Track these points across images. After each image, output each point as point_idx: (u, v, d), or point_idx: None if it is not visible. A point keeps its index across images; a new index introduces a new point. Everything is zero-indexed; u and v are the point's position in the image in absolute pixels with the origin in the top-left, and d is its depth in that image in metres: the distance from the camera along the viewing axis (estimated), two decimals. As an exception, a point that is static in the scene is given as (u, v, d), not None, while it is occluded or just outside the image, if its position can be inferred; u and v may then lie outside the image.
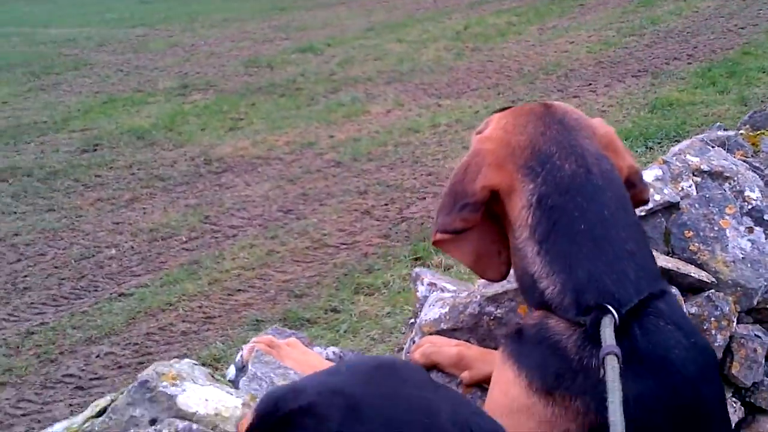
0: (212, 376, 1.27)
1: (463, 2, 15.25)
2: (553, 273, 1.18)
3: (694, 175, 1.85)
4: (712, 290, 1.59)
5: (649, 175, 1.75)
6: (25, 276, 5.12)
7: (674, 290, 1.50)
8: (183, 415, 1.10)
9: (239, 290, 4.65)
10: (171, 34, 15.05)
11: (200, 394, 1.13)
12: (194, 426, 1.09)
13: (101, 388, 3.84)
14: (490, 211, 1.28)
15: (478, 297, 1.50)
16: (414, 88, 8.92)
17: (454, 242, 1.29)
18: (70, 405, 3.73)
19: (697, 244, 1.66)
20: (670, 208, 1.72)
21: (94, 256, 5.34)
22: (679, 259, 1.65)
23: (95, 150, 7.74)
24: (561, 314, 1.16)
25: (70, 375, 3.96)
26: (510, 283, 1.42)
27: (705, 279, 1.59)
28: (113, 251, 5.37)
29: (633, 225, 1.23)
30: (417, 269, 1.88)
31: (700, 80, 7.79)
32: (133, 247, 5.40)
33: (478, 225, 1.27)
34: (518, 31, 11.58)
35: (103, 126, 8.54)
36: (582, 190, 1.19)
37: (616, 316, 1.11)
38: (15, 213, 6.24)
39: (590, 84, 8.24)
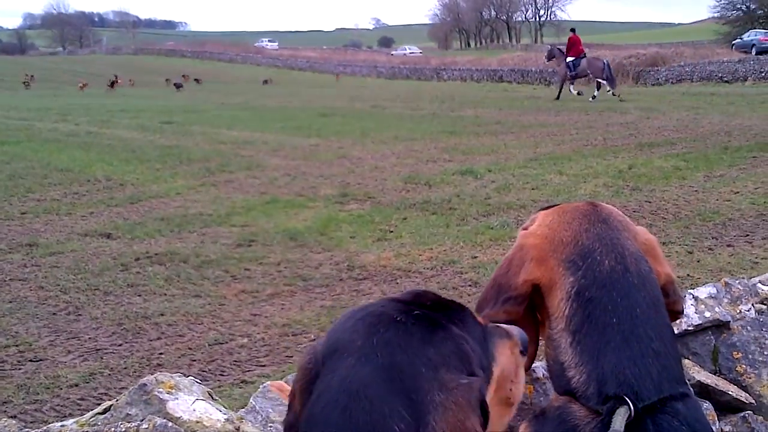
0: (211, 396, 1.36)
1: (633, 143, 15.20)
2: (582, 363, 1.24)
3: (762, 303, 1.84)
4: (750, 411, 1.57)
5: (702, 292, 1.76)
6: (161, 353, 5.39)
7: (707, 404, 1.50)
8: (168, 418, 1.20)
9: (354, 392, 4.72)
10: (342, 146, 15.72)
11: (190, 404, 1.23)
12: (169, 424, 1.18)
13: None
14: (530, 302, 1.35)
15: None
16: (565, 219, 8.91)
17: None
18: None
19: (744, 366, 1.66)
20: (721, 327, 1.72)
21: (227, 342, 5.57)
22: (724, 378, 1.64)
23: (250, 245, 8.12)
24: (583, 402, 1.23)
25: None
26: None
27: (744, 399, 1.58)
28: (245, 340, 5.59)
29: (663, 326, 1.27)
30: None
31: None
32: (263, 339, 5.60)
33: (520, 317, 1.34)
34: (683, 176, 11.41)
35: (261, 224, 8.98)
36: (618, 286, 1.25)
37: (632, 408, 1.16)
38: (165, 294, 6.61)
39: (748, 235, 8.00)
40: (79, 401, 4.66)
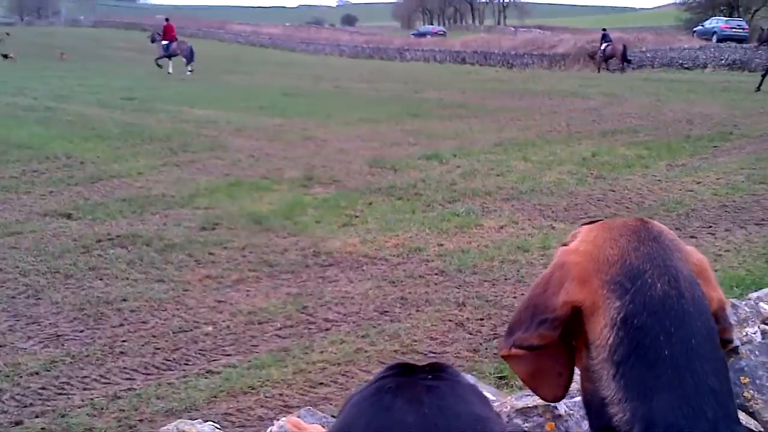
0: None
1: (596, 129, 15.29)
2: (627, 399, 1.11)
3: (764, 323, 1.81)
4: (756, 438, 1.54)
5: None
6: (124, 341, 5.30)
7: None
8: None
9: (321, 383, 4.69)
10: (306, 127, 15.62)
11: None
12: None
13: (172, 460, 3.90)
14: (565, 327, 1.21)
15: (509, 407, 1.50)
16: (531, 207, 8.93)
17: (521, 357, 1.22)
18: (139, 472, 3.81)
19: (751, 392, 1.62)
20: (729, 351, 1.69)
21: (191, 330, 5.50)
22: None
23: (214, 229, 8.02)
24: None
25: (145, 443, 4.05)
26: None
27: (753, 428, 1.55)
28: (210, 328, 5.52)
29: (719, 360, 1.15)
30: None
31: (826, 236, 7.54)
32: (229, 327, 5.53)
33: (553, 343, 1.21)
34: (646, 164, 11.50)
35: (225, 207, 8.88)
36: (672, 314, 1.13)
37: None
38: (127, 279, 6.51)
39: (711, 226, 8.08)
40: (40, 390, 4.57)
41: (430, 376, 1.09)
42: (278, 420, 1.56)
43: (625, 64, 36.35)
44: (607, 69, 37.02)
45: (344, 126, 15.92)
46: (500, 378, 4.69)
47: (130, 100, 20.08)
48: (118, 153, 12.25)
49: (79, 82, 25.40)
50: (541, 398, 1.33)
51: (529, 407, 1.47)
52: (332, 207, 8.93)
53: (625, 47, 36.72)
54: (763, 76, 23.92)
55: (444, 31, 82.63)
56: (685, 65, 37.00)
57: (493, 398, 1.72)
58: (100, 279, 6.51)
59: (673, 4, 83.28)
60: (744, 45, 37.10)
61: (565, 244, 1.29)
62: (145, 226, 8.07)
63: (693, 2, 73.37)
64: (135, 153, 12.27)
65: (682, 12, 73.52)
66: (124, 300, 6.02)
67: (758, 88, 23.52)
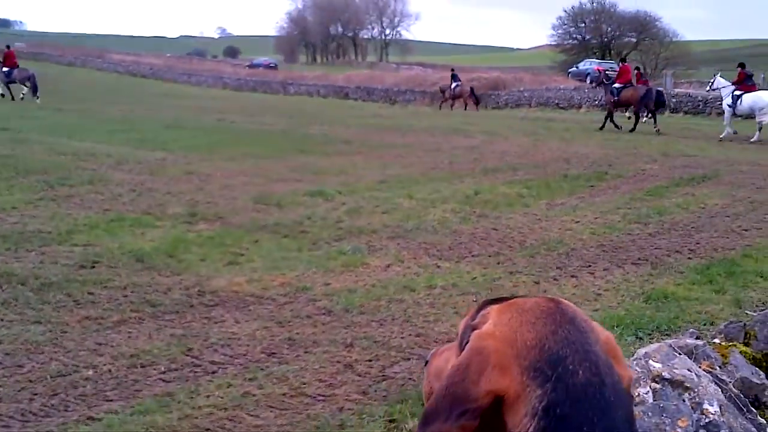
0: None
1: (478, 167, 15.60)
2: None
3: (654, 381, 1.85)
4: None
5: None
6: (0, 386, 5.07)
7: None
8: None
9: (208, 429, 4.58)
10: (189, 161, 15.39)
11: None
12: None
13: None
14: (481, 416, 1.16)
15: None
16: (416, 246, 9.01)
17: None
18: None
19: (645, 456, 1.65)
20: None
21: (71, 374, 5.29)
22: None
23: (93, 267, 7.78)
24: None
25: (22, 496, 3.87)
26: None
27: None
28: (90, 372, 5.32)
29: None
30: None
31: (698, 276, 7.86)
32: (110, 371, 5.35)
33: None
34: (526, 203, 11.79)
35: (105, 244, 8.62)
36: (594, 404, 1.09)
37: None
38: (1, 321, 6.22)
39: (590, 266, 8.32)
40: None
41: None
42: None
43: (475, 103, 38.99)
44: (450, 107, 39.62)
45: (228, 161, 15.76)
46: (390, 421, 4.69)
47: (4, 131, 19.39)
48: (-9, 186, 11.80)
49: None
50: None
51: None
52: (217, 244, 8.79)
53: (472, 89, 39.35)
54: (608, 117, 25.38)
55: (275, 64, 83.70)
56: (561, 105, 38.34)
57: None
58: (-27, 320, 6.22)
59: (548, 45, 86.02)
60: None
61: (474, 327, 1.24)
62: (20, 264, 7.76)
63: (567, 44, 76.17)
64: (9, 186, 11.82)
65: (556, 53, 76.23)
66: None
67: (602, 127, 25.32)
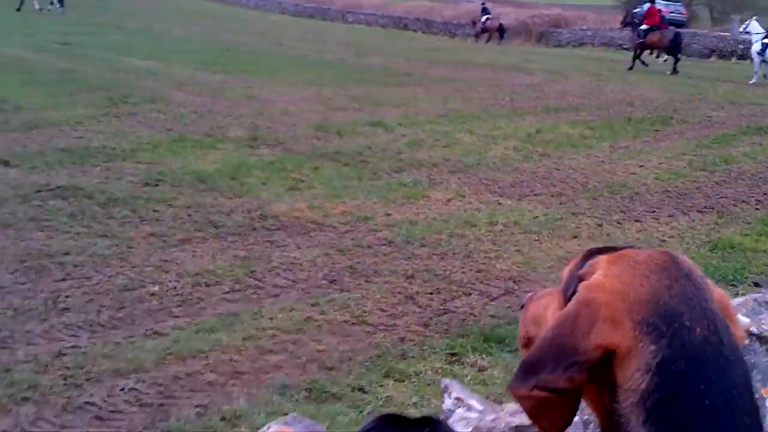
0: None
1: (539, 106, 15.36)
2: None
3: (741, 336, 1.78)
4: None
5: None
6: (67, 296, 5.16)
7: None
8: None
9: (271, 351, 4.63)
10: (249, 85, 15.38)
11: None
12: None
13: (120, 422, 3.82)
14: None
15: (503, 425, 1.46)
16: (477, 181, 8.94)
17: (541, 397, 1.13)
18: (86, 433, 3.72)
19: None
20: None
21: (137, 289, 5.38)
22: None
23: (157, 185, 7.85)
24: None
25: (92, 403, 3.94)
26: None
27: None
28: (156, 288, 5.40)
29: (756, 412, 1.08)
30: (446, 381, 1.83)
31: (765, 228, 7.70)
32: (175, 288, 5.43)
33: None
34: (590, 144, 11.60)
35: (168, 163, 8.69)
36: (713, 362, 1.05)
37: None
38: (69, 233, 6.33)
39: (654, 211, 8.18)
40: (-19, 345, 4.43)
41: None
42: (269, 427, 1.51)
43: (500, 38, 38.17)
44: (480, 40, 38.95)
45: (288, 87, 15.70)
46: (451, 354, 4.70)
47: (66, 45, 19.52)
48: (55, 100, 11.96)
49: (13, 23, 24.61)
50: (540, 429, 1.25)
51: (525, 426, 1.42)
52: (278, 170, 8.81)
53: (501, 25, 38.54)
54: (635, 58, 25.02)
55: None
56: (624, 46, 37.42)
57: (481, 407, 1.68)
58: (41, 231, 6.33)
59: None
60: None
61: (581, 278, 1.17)
62: (87, 179, 7.87)
63: (633, -17, 74.04)
64: (73, 101, 11.95)
65: (621, -7, 74.19)
66: (67, 254, 5.87)
67: (631, 68, 25.28)
